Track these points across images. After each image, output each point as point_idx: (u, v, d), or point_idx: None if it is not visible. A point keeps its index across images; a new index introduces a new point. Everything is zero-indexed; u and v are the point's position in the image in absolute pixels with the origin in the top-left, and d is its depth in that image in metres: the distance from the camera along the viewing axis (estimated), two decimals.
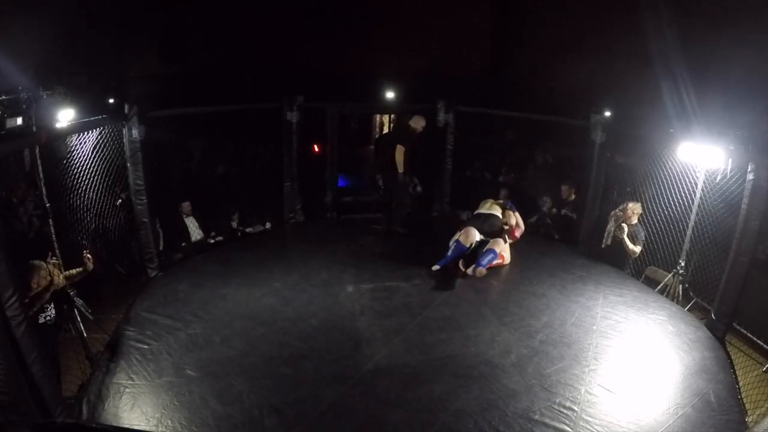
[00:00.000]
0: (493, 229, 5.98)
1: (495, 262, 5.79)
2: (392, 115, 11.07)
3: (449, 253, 5.82)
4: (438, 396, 3.76)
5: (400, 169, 6.68)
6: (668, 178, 5.58)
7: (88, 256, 4.62)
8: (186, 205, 6.87)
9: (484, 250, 5.75)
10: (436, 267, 5.74)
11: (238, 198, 7.66)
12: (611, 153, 6.60)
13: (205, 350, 4.22)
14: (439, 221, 7.59)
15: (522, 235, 6.45)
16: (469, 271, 5.55)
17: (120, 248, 5.95)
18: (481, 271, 5.48)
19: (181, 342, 4.31)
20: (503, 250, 5.91)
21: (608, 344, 4.49)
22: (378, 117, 11.88)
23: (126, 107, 5.23)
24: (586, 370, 4.10)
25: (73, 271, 4.52)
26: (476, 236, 5.89)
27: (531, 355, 4.29)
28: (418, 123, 6.79)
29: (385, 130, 12.44)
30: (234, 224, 7.29)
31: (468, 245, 5.85)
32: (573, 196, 7.30)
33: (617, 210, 6.04)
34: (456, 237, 5.94)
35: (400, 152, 6.62)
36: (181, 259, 6.13)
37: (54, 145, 5.03)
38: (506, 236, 6.07)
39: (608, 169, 6.63)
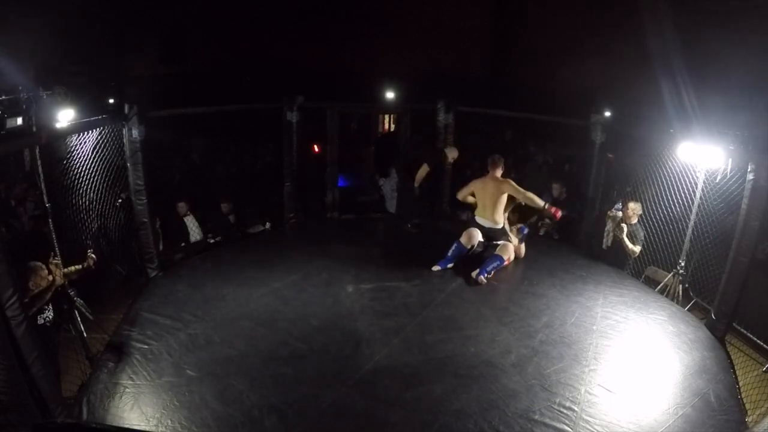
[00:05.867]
0: (495, 236, 5.89)
1: (501, 266, 5.75)
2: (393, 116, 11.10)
3: (449, 253, 5.82)
4: (438, 396, 3.76)
5: (417, 184, 7.08)
6: (668, 178, 5.58)
7: (92, 256, 4.63)
8: (182, 206, 6.85)
9: (491, 255, 5.71)
10: (436, 267, 5.75)
11: (237, 197, 7.65)
12: (611, 153, 6.60)
13: (205, 350, 4.22)
14: (439, 222, 7.59)
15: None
16: (473, 274, 5.53)
17: (120, 248, 5.95)
18: (482, 279, 5.47)
19: (181, 342, 4.31)
20: (511, 254, 5.87)
21: (608, 344, 4.49)
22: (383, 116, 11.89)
23: (126, 107, 5.22)
24: (586, 370, 4.10)
25: (72, 269, 4.52)
26: (478, 238, 5.87)
27: (531, 355, 4.29)
28: (451, 153, 7.27)
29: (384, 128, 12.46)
30: (224, 210, 7.25)
31: (469, 247, 5.84)
32: (565, 195, 7.31)
33: (614, 209, 6.04)
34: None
35: (424, 170, 7.00)
36: (181, 259, 6.13)
37: (54, 145, 5.03)
38: (511, 238, 6.00)
39: (608, 169, 6.62)
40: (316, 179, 7.63)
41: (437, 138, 7.73)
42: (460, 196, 6.31)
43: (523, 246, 6.21)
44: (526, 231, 6.23)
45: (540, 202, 5.85)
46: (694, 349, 4.46)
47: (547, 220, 7.33)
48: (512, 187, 5.81)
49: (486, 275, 5.51)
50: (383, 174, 8.40)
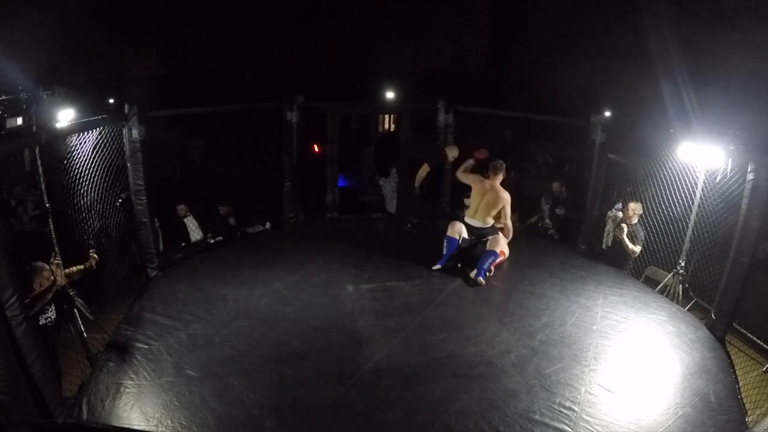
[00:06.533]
0: (484, 233, 5.91)
1: (497, 261, 5.77)
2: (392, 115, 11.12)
3: (444, 251, 5.85)
4: (438, 396, 3.76)
5: (417, 184, 7.11)
6: (668, 178, 5.58)
7: (95, 256, 4.62)
8: (181, 208, 6.85)
9: (483, 252, 5.72)
10: (436, 267, 5.76)
11: (236, 197, 7.65)
12: (611, 153, 6.60)
13: (205, 350, 4.22)
14: (439, 222, 7.58)
15: (522, 235, 6.41)
16: (471, 275, 5.54)
17: (120, 248, 5.95)
18: (481, 281, 5.48)
19: (181, 342, 4.31)
20: (503, 246, 5.89)
21: (608, 344, 4.49)
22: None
23: (126, 107, 5.23)
24: (586, 370, 4.10)
25: (74, 269, 4.53)
26: (462, 227, 5.93)
27: (531, 355, 4.29)
28: (452, 152, 7.18)
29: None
30: (222, 213, 7.22)
31: (458, 236, 5.88)
32: (565, 194, 7.30)
33: (614, 209, 6.04)
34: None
35: (424, 170, 7.01)
36: (181, 259, 6.13)
37: (54, 145, 5.03)
38: (501, 232, 6.02)
39: (608, 169, 6.62)
40: (316, 179, 7.64)
41: (437, 138, 7.74)
42: (460, 173, 6.28)
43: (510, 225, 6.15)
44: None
45: (509, 229, 6.09)
46: (694, 349, 4.46)
47: (548, 221, 7.34)
48: (505, 208, 5.87)
49: (484, 274, 5.51)
50: (383, 174, 8.42)
